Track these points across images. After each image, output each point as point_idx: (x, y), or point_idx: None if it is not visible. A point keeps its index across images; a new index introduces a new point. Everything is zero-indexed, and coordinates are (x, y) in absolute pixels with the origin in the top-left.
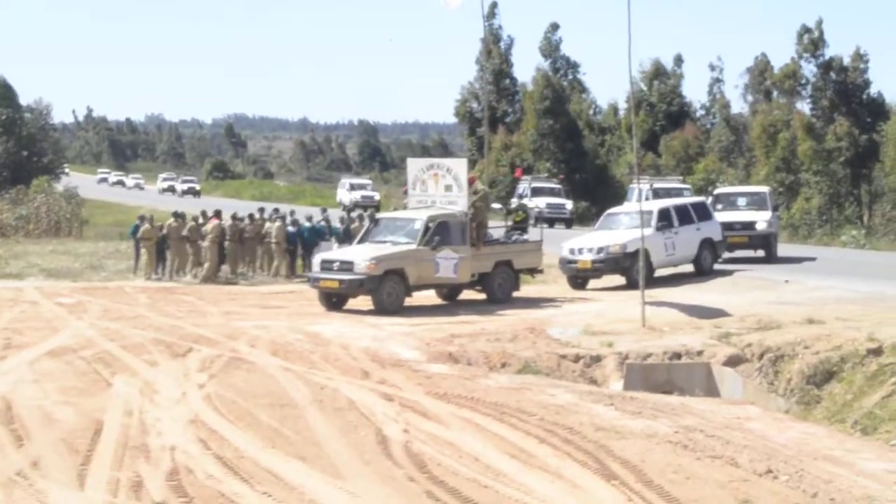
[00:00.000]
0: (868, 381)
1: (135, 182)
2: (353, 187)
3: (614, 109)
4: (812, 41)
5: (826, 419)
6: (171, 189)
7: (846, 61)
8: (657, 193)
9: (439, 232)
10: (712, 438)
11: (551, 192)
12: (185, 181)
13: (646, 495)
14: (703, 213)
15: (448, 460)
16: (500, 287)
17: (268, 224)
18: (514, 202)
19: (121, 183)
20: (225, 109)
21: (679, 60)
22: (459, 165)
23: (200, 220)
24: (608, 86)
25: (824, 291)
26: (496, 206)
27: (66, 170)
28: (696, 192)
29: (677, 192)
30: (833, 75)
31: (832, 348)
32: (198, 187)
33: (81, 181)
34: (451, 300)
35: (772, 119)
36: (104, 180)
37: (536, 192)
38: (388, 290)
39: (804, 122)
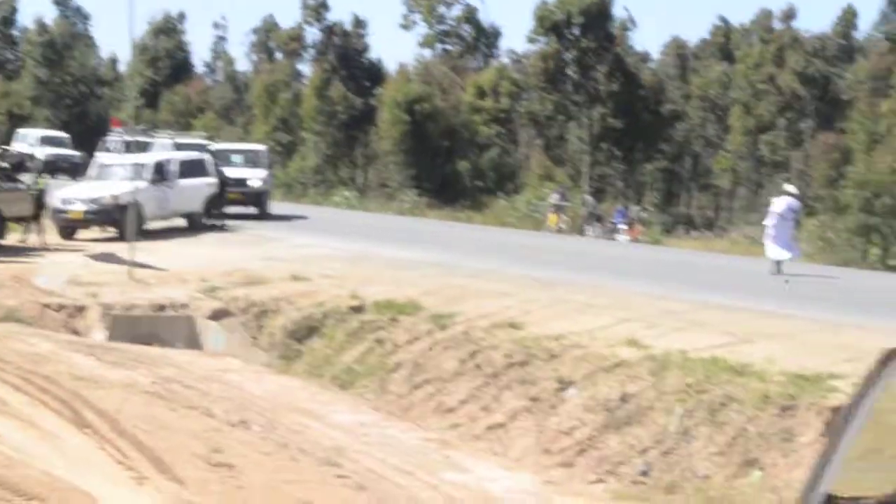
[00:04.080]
0: (349, 337)
1: None
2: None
3: (113, 61)
4: (315, 6)
5: (306, 373)
6: None
7: (347, 27)
8: (180, 148)
9: None
10: (189, 389)
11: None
12: None
13: (118, 444)
14: (200, 168)
15: None
16: None
17: None
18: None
19: None
20: None
21: (182, 17)
22: None
23: None
24: (118, 39)
25: (313, 249)
26: None
27: None
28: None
29: (200, 149)
30: (336, 40)
31: (315, 304)
32: None
33: None
34: None
35: (273, 79)
36: None
37: (131, 147)
38: None
39: (316, 82)
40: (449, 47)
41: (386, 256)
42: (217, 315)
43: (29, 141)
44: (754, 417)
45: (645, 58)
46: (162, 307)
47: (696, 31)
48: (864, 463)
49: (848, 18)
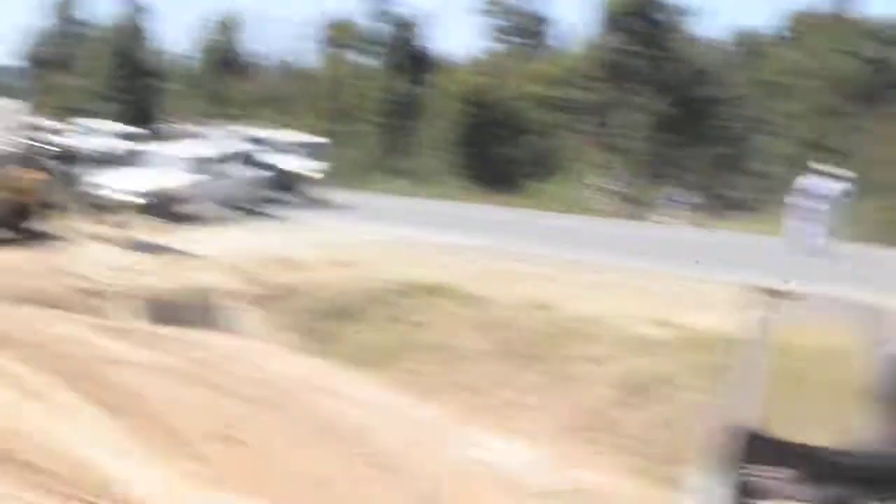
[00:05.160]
0: (385, 321)
1: None
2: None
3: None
4: None
5: (338, 356)
6: None
7: (404, 17)
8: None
9: None
10: (217, 370)
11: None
12: None
13: (145, 425)
14: (246, 159)
15: None
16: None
17: None
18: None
19: None
20: None
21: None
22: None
23: None
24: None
25: (360, 235)
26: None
27: None
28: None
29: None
30: (391, 29)
31: (353, 288)
32: None
33: None
34: None
35: (327, 70)
36: None
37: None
38: None
39: (365, 72)
40: (513, 39)
41: (432, 242)
42: (252, 299)
43: None
44: None
45: (708, 45)
46: (198, 291)
47: (763, 18)
48: (787, 407)
49: None
